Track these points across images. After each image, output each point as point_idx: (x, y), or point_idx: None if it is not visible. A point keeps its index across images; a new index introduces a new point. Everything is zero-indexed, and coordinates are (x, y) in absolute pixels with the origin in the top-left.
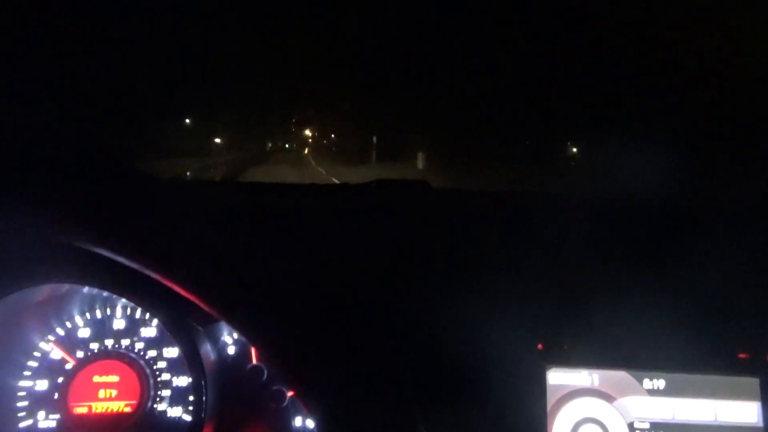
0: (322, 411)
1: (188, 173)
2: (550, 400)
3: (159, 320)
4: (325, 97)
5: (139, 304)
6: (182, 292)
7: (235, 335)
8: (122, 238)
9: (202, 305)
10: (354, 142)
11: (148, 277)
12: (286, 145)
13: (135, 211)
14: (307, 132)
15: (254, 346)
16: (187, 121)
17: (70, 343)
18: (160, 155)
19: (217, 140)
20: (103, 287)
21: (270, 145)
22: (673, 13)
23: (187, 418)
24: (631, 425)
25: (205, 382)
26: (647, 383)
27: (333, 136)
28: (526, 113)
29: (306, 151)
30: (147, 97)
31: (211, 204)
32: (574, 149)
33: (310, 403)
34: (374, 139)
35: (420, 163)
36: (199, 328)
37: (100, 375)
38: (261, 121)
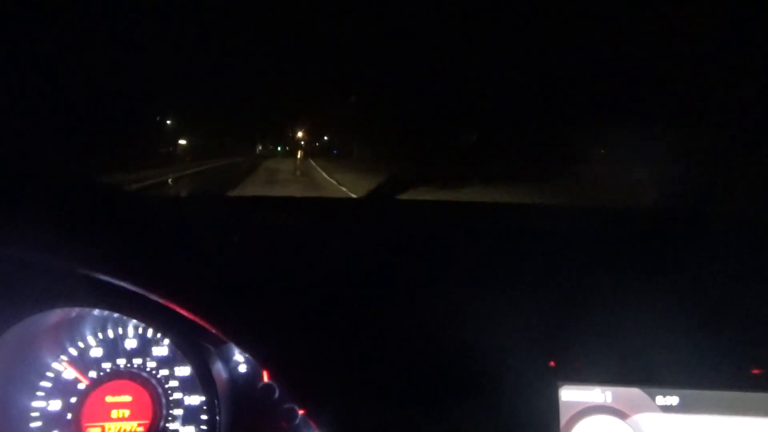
0: (333, 428)
1: (176, 187)
2: (563, 418)
3: (170, 341)
4: (323, 94)
5: (149, 326)
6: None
7: (246, 354)
8: (123, 265)
9: (209, 328)
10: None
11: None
12: (278, 149)
13: (133, 236)
14: (300, 134)
15: (263, 366)
16: (168, 122)
17: (82, 363)
18: (136, 164)
19: (181, 143)
20: (112, 310)
21: (260, 148)
22: (663, 14)
23: None
24: None
25: (218, 401)
26: (660, 400)
27: (326, 138)
28: (527, 119)
29: (298, 156)
30: (129, 99)
31: (211, 223)
32: (580, 155)
33: (321, 421)
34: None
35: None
36: (211, 348)
37: (113, 395)
38: (247, 123)
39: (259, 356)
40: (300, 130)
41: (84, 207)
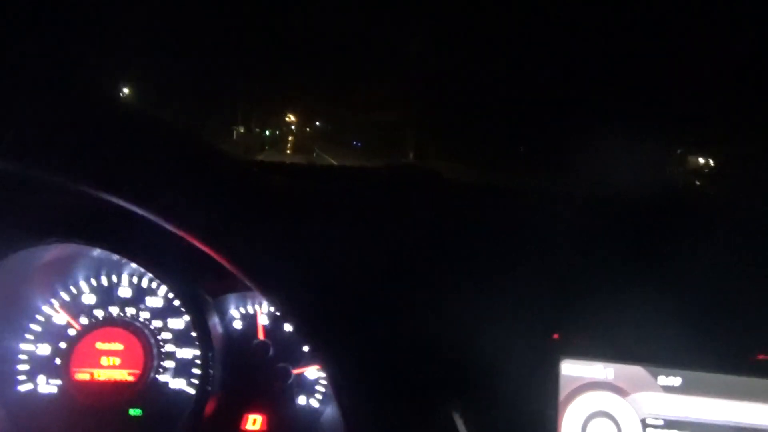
0: (346, 389)
1: None
2: (563, 392)
3: (169, 288)
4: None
5: (149, 270)
6: (207, 251)
7: (242, 310)
8: (142, 188)
9: (235, 272)
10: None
11: (160, 241)
12: (266, 132)
13: (161, 165)
14: (291, 116)
15: (286, 315)
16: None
17: (74, 308)
18: None
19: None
20: (113, 249)
21: (241, 130)
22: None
23: (191, 390)
24: (643, 421)
25: (213, 355)
26: (662, 380)
27: (318, 123)
28: (522, 109)
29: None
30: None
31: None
32: (579, 145)
33: (335, 379)
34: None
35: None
36: (209, 299)
37: (104, 342)
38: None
39: (282, 305)
40: (303, 110)
41: (96, 122)
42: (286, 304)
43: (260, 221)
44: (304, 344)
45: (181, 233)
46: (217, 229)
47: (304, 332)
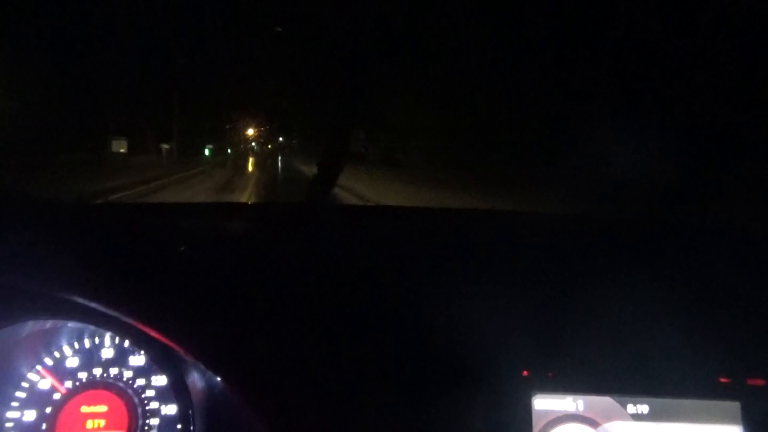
0: None
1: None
2: (536, 427)
3: (144, 353)
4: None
5: (123, 338)
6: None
7: None
8: (87, 286)
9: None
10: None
11: None
12: (206, 152)
13: (96, 252)
14: (251, 131)
15: (230, 387)
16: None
17: (58, 372)
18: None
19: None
20: (85, 323)
21: (165, 148)
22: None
23: None
24: None
25: (193, 411)
26: (631, 408)
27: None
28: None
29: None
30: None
31: (169, 234)
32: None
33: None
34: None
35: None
36: (187, 358)
37: (89, 405)
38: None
39: (226, 377)
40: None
41: (40, 224)
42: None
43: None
44: None
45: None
46: (157, 316)
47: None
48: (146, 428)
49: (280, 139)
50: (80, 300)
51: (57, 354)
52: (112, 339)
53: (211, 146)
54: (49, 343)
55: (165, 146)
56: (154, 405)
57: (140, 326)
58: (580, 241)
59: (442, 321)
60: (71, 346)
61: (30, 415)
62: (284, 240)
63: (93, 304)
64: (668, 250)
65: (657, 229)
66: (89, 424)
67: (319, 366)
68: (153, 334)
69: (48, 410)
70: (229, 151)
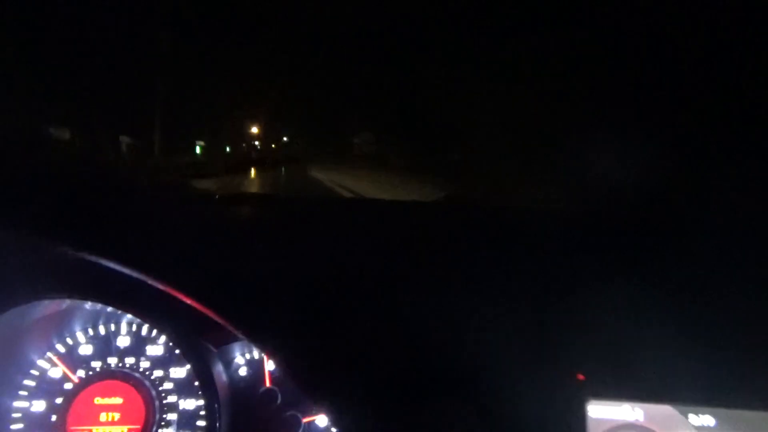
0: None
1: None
2: None
3: (169, 339)
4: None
5: (146, 321)
6: (197, 307)
7: (248, 356)
8: (123, 249)
9: (221, 322)
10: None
11: (157, 291)
12: (197, 150)
13: (142, 223)
14: (255, 129)
15: (272, 357)
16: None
17: (71, 360)
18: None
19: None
20: (106, 302)
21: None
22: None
23: None
24: None
25: (219, 405)
26: (694, 419)
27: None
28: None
29: None
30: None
31: (219, 217)
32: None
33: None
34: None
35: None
36: (211, 347)
37: (102, 397)
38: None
39: (269, 347)
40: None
41: (79, 190)
42: (278, 354)
43: (239, 273)
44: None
45: (165, 289)
46: (201, 284)
47: (298, 379)
48: (162, 423)
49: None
50: (113, 265)
51: (70, 340)
52: (129, 326)
53: (203, 144)
54: (61, 329)
55: (126, 140)
56: (172, 398)
57: (181, 296)
58: (637, 239)
59: (491, 320)
60: (85, 332)
61: (39, 406)
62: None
63: (127, 269)
64: (740, 251)
65: (720, 231)
66: (103, 417)
67: (378, 368)
68: (195, 305)
69: (59, 401)
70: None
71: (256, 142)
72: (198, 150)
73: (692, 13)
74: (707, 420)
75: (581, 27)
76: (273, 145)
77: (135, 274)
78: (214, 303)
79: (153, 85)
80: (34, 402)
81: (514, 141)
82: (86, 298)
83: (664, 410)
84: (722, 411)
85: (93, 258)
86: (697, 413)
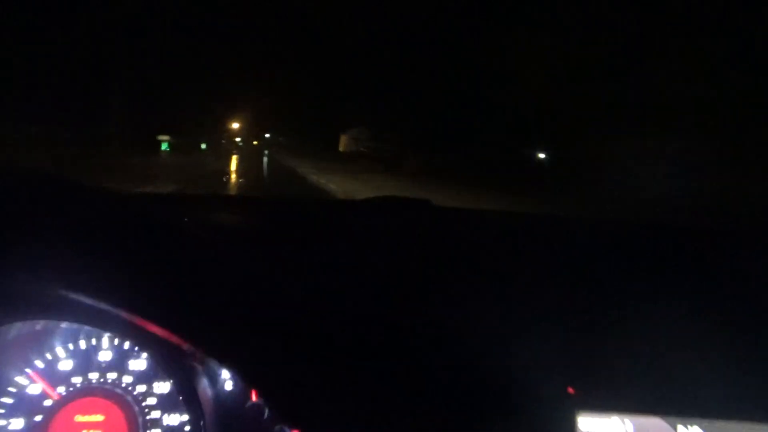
0: None
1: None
2: None
3: (150, 356)
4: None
5: (125, 340)
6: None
7: None
8: (87, 279)
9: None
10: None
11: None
12: (203, 146)
13: (98, 244)
14: (234, 125)
15: (250, 386)
16: None
17: (50, 376)
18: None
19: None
20: (85, 323)
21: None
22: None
23: None
24: None
25: (204, 421)
26: (682, 430)
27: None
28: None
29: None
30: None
31: (188, 225)
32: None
33: None
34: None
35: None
36: (195, 362)
37: (83, 414)
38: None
39: (245, 376)
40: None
41: (41, 213)
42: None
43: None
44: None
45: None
46: (165, 312)
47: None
48: None
49: (267, 135)
50: (80, 297)
51: (49, 356)
52: (111, 340)
53: (168, 138)
54: (40, 344)
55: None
56: (155, 414)
57: (150, 326)
58: (629, 250)
59: (482, 333)
60: (65, 347)
61: (17, 424)
62: (309, 236)
63: (93, 302)
64: (724, 260)
65: (710, 236)
66: None
67: (357, 380)
68: (162, 333)
69: (38, 419)
70: (203, 146)
71: (238, 139)
72: (164, 147)
73: None
74: (695, 431)
75: (578, 26)
76: (255, 142)
77: (104, 307)
78: (186, 334)
79: (151, 83)
80: (12, 420)
81: (514, 142)
82: (62, 320)
83: (654, 422)
84: (710, 422)
85: (57, 290)
86: (685, 425)
